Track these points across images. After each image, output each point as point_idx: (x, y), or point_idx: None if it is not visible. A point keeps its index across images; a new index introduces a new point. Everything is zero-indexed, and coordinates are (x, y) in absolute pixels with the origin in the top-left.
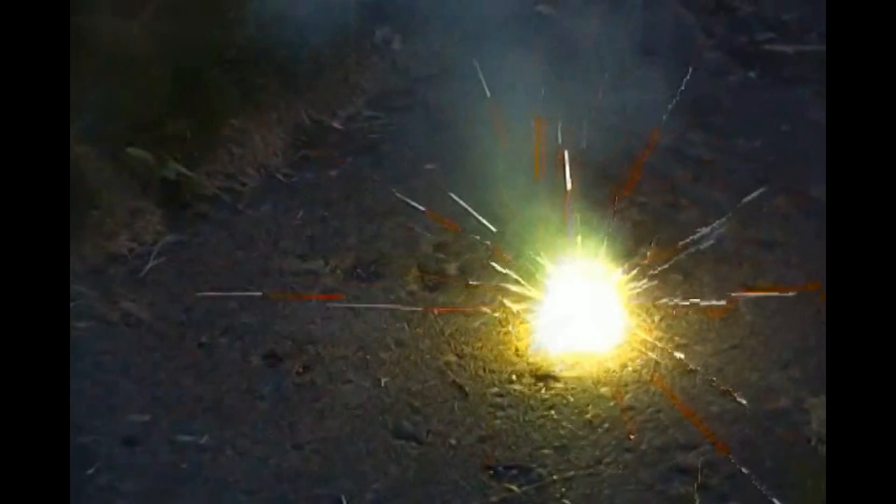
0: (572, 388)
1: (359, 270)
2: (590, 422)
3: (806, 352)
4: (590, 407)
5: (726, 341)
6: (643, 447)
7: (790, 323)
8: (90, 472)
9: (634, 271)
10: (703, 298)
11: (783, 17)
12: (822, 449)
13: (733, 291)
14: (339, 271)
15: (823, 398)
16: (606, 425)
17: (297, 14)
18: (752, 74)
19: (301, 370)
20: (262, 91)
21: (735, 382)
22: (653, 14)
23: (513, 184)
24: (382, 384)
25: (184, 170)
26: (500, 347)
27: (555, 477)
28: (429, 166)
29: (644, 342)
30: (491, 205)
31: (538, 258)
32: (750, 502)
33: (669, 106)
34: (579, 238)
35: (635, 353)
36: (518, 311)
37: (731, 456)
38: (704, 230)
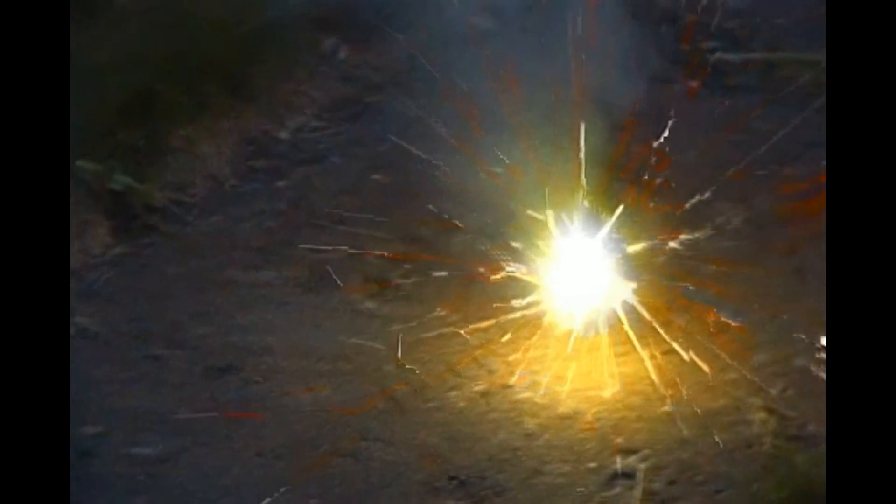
0: (513, 400)
1: (307, 280)
2: (531, 432)
3: (744, 353)
4: (530, 418)
5: (665, 344)
6: (583, 454)
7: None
8: None
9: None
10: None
11: (727, 26)
12: (764, 450)
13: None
14: (290, 282)
15: (760, 399)
16: (546, 435)
17: (246, 25)
18: (695, 84)
19: (248, 381)
20: (211, 102)
21: (679, 385)
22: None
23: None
24: (323, 398)
25: (132, 181)
26: (444, 360)
27: (496, 489)
28: (377, 176)
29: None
30: (440, 214)
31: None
32: None
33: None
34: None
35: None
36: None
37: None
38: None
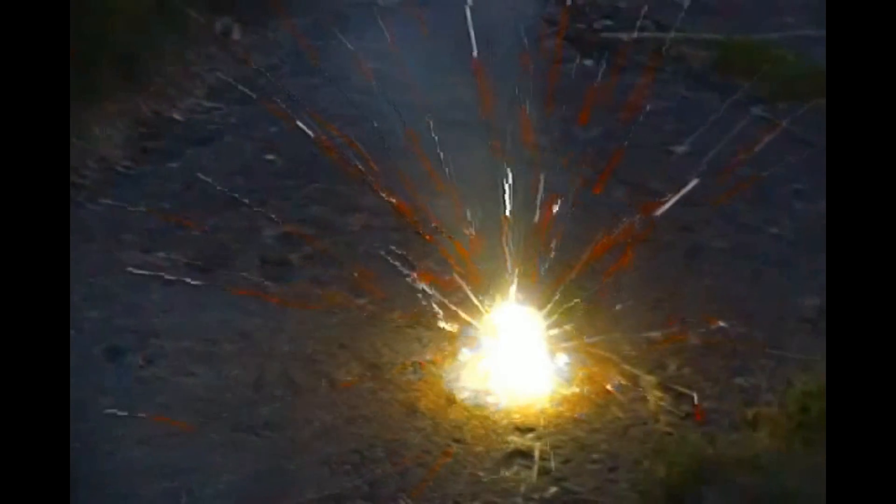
0: (403, 381)
1: (200, 262)
2: (421, 413)
3: (639, 331)
4: (420, 398)
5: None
6: (472, 435)
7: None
8: None
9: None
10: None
11: (619, 5)
12: (658, 427)
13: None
14: (180, 263)
15: (655, 378)
16: (436, 418)
17: (137, 6)
18: (590, 63)
19: (143, 363)
20: (103, 84)
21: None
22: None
23: (355, 172)
24: (225, 376)
25: None
26: (337, 340)
27: (387, 470)
28: (269, 156)
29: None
30: (331, 194)
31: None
32: (587, 485)
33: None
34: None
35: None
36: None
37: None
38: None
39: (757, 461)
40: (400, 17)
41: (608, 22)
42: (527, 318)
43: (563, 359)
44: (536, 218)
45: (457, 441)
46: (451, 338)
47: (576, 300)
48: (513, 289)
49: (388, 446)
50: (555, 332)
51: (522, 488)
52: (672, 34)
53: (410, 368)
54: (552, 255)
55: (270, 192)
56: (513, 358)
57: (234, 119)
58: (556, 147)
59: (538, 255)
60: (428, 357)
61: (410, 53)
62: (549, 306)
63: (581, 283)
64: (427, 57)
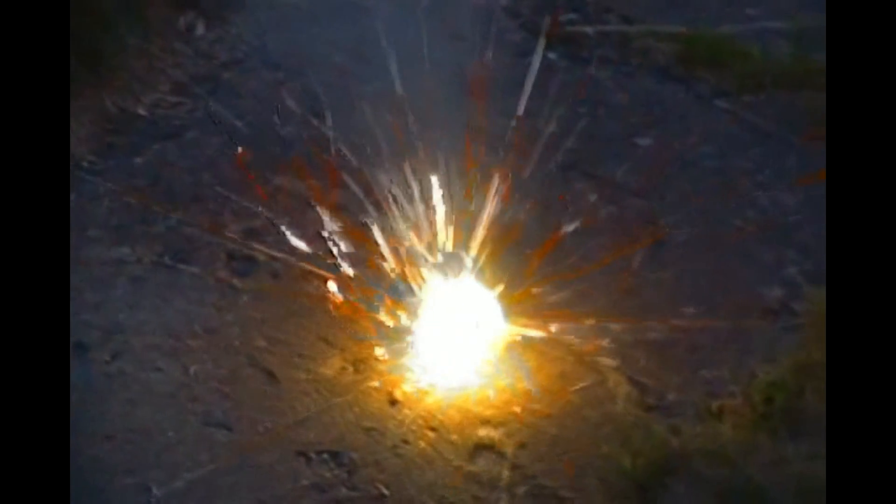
0: (379, 370)
1: (166, 257)
2: (396, 401)
3: (604, 324)
4: (395, 388)
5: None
6: (448, 425)
7: (589, 298)
8: None
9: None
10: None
11: None
12: (624, 420)
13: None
14: (146, 259)
15: (620, 370)
16: (411, 406)
17: (101, 1)
18: (553, 56)
19: (109, 359)
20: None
21: (537, 356)
22: None
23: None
24: (192, 372)
25: None
26: (311, 332)
27: (365, 459)
28: (235, 151)
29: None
30: (300, 188)
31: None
32: (557, 478)
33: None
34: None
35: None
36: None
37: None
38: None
39: (722, 452)
40: (365, 12)
41: (573, 15)
42: (492, 311)
43: (527, 353)
44: (497, 210)
45: (432, 429)
46: (405, 332)
47: (536, 289)
48: (473, 280)
49: (365, 434)
50: (519, 326)
51: (491, 482)
52: (636, 27)
53: (385, 359)
54: (513, 246)
55: (236, 187)
56: (478, 351)
57: (200, 114)
58: (519, 140)
59: (501, 247)
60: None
61: (377, 48)
62: (508, 296)
63: (543, 274)
64: (395, 51)
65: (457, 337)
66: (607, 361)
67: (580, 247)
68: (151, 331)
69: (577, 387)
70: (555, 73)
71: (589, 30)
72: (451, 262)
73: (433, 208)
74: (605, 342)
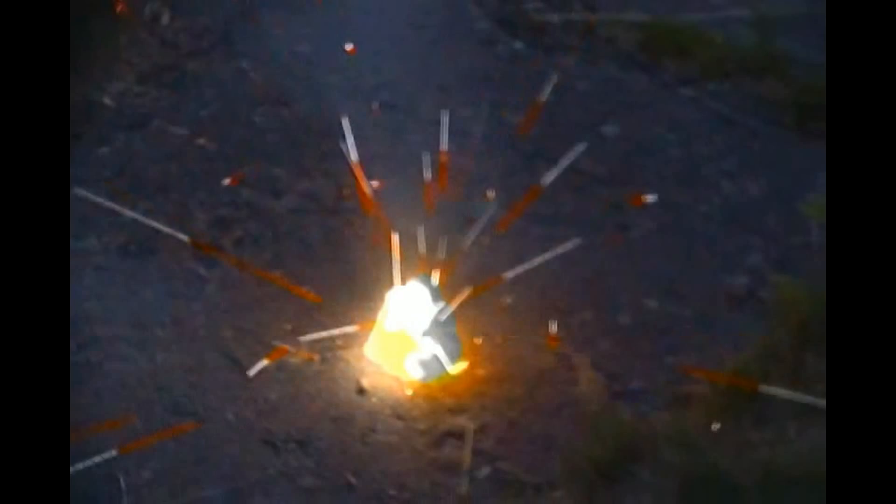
0: (346, 360)
1: (133, 247)
2: (364, 390)
3: (572, 310)
4: (362, 378)
5: (492, 305)
6: (414, 413)
7: (554, 285)
8: None
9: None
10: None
11: None
12: (590, 406)
13: (503, 269)
14: (112, 248)
15: (586, 357)
16: (378, 395)
17: None
18: (518, 45)
19: (76, 349)
20: None
21: (503, 344)
22: None
23: (287, 156)
24: (159, 361)
25: None
26: (278, 321)
27: (332, 448)
28: (200, 141)
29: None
30: (263, 178)
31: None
32: (521, 463)
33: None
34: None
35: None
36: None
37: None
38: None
39: (688, 439)
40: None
41: (538, 3)
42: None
43: (492, 339)
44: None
45: (399, 418)
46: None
47: (502, 275)
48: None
49: (332, 423)
50: (483, 310)
51: (455, 467)
52: (601, 15)
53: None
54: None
55: (202, 177)
56: (444, 337)
57: (165, 103)
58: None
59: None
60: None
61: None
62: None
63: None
64: (358, 40)
65: (418, 326)
66: (573, 348)
67: (545, 234)
68: (118, 320)
69: (542, 374)
70: (520, 62)
71: (554, 18)
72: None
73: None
74: (570, 329)
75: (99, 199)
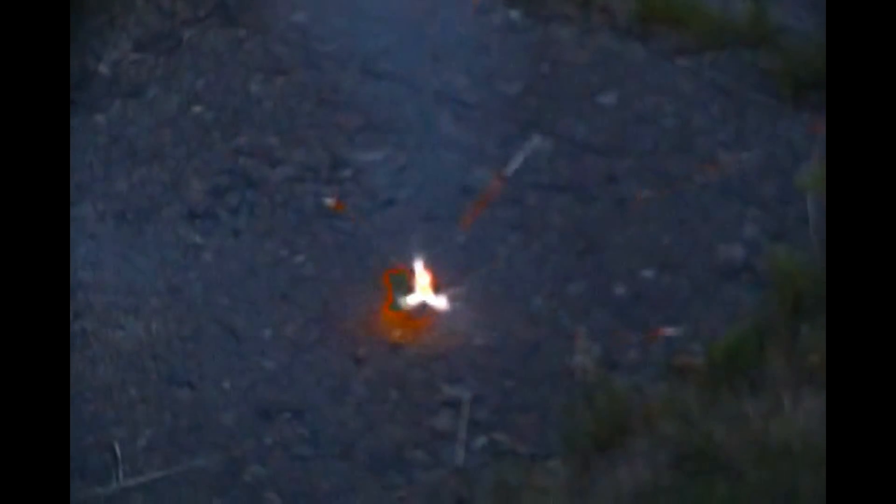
0: (343, 329)
1: (128, 215)
2: (360, 360)
3: (567, 280)
4: (359, 347)
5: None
6: (410, 383)
7: (551, 254)
8: None
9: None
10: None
11: None
12: (585, 378)
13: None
14: (107, 217)
15: (581, 328)
16: (375, 365)
17: None
18: (514, 14)
19: (71, 318)
20: None
21: (497, 312)
22: None
23: (283, 125)
24: (154, 330)
25: None
26: (274, 290)
27: (328, 418)
28: (196, 109)
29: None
30: (262, 147)
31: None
32: (516, 434)
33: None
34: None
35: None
36: None
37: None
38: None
39: (683, 411)
40: None
41: None
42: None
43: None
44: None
45: (395, 387)
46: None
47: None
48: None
49: (328, 393)
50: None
51: (451, 437)
52: None
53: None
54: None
55: (198, 145)
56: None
57: (161, 72)
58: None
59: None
60: (369, 307)
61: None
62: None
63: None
64: (354, 8)
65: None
66: (568, 320)
67: (540, 204)
68: (113, 289)
69: (537, 345)
70: (515, 32)
71: None
72: None
73: None
74: (566, 299)
75: (94, 168)
